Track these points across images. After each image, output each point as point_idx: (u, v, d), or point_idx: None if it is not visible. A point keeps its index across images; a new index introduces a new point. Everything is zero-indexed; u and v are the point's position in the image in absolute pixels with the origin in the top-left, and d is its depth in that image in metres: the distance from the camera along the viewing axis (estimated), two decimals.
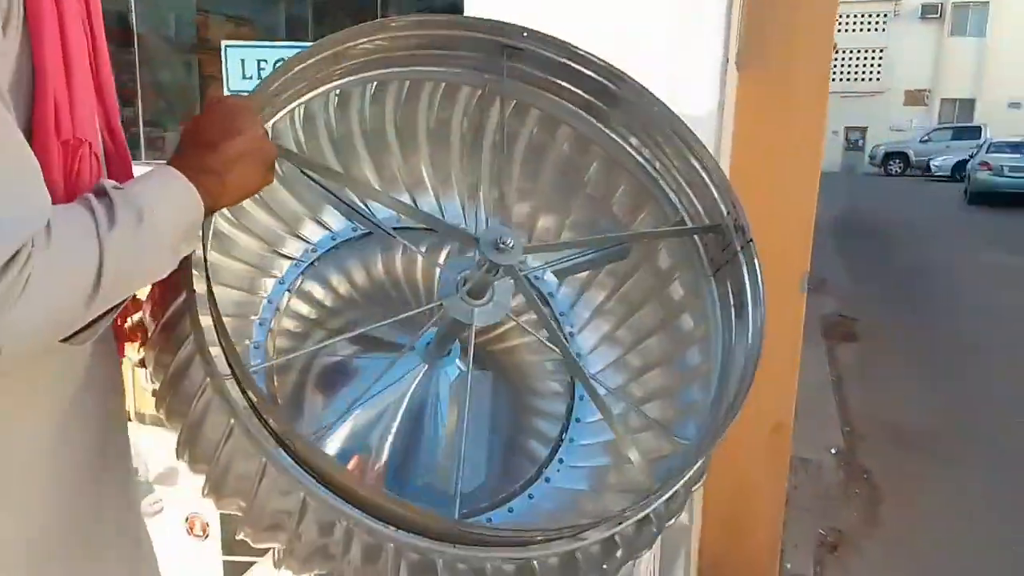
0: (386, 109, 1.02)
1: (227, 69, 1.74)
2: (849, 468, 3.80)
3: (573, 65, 0.92)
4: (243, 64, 1.71)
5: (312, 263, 1.07)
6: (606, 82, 0.93)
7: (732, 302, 0.94)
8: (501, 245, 0.87)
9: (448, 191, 1.10)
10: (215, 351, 0.76)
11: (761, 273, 0.87)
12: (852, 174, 22.27)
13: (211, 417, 0.76)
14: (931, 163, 22.20)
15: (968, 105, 26.61)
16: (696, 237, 0.98)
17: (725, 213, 0.92)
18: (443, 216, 1.10)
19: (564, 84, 0.97)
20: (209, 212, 0.76)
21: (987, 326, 6.47)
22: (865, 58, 26.55)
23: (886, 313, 6.80)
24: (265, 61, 1.74)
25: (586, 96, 0.97)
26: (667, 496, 0.82)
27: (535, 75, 0.95)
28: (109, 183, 0.68)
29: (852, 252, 9.33)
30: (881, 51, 26.59)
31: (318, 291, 1.07)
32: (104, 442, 0.84)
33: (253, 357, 0.99)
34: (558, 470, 1.05)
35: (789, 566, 2.84)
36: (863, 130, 25.41)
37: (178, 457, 0.83)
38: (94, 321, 0.68)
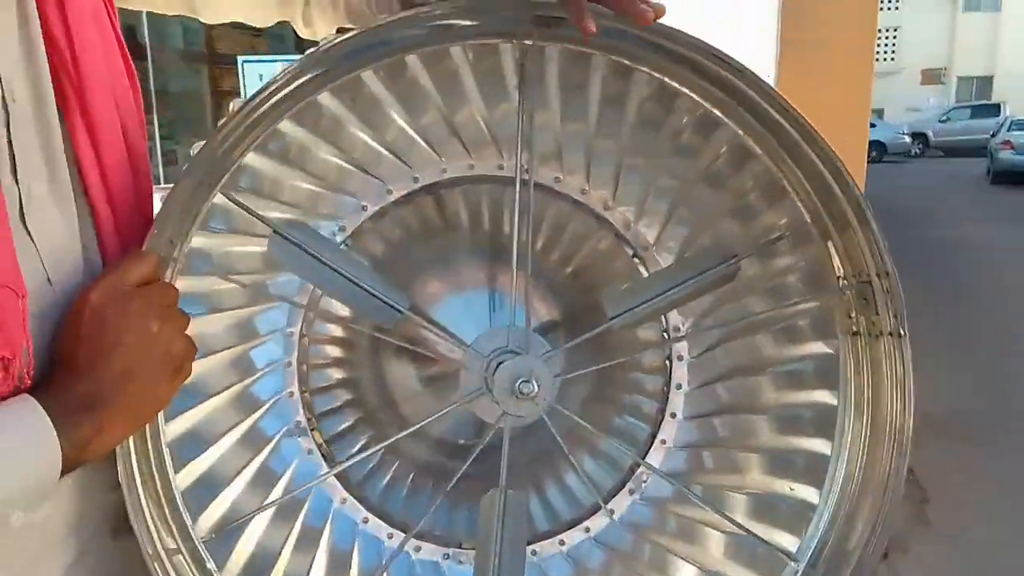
0: (408, 73, 0.80)
1: (245, 84, 1.65)
2: None
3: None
4: (261, 79, 1.62)
5: (344, 243, 0.86)
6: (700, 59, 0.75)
7: (865, 330, 0.82)
8: (521, 393, 0.72)
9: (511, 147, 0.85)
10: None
11: (903, 313, 0.76)
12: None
13: None
14: None
15: (986, 83, 26.22)
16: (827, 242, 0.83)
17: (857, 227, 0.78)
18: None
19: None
20: (72, 465, 0.55)
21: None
22: (879, 38, 26.19)
23: (922, 299, 6.64)
24: None
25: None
26: None
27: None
28: None
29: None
30: (895, 30, 26.22)
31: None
32: None
33: (284, 380, 0.85)
34: (644, 481, 0.91)
35: None
36: (880, 112, 25.05)
37: None
38: None
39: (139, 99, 0.73)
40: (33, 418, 0.53)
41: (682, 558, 0.89)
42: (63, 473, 0.54)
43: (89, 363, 0.57)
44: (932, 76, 26.77)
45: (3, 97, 0.57)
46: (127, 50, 0.72)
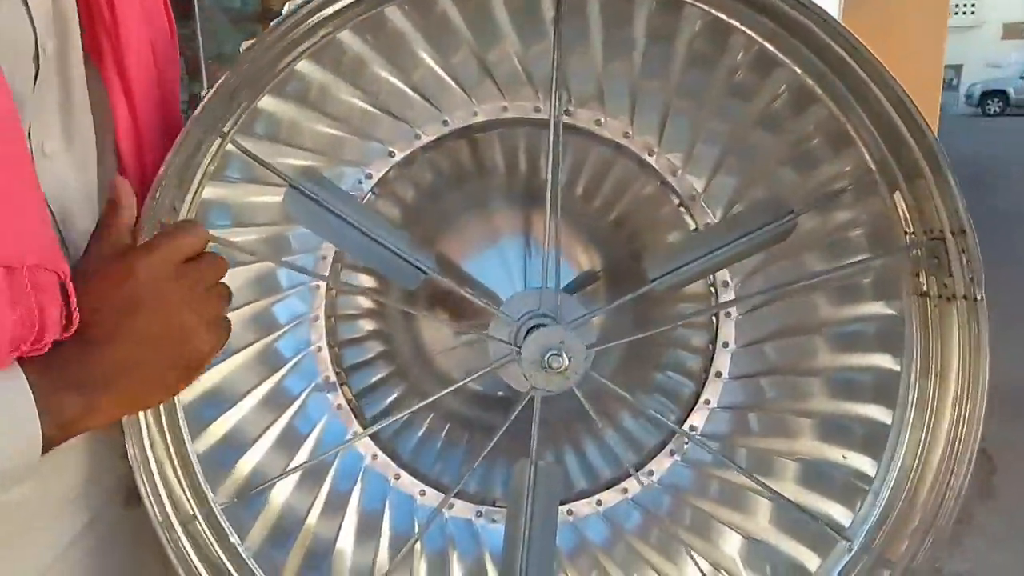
0: (437, 7, 0.75)
1: None
2: None
3: None
4: None
5: (371, 191, 0.81)
6: None
7: (935, 292, 0.76)
8: (550, 367, 0.69)
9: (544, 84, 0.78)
10: None
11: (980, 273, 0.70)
12: (944, 115, 21.08)
13: None
14: None
15: None
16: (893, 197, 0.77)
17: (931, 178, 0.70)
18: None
19: None
20: (55, 443, 0.50)
21: None
22: None
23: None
24: None
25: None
26: None
27: None
28: None
29: None
30: None
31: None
32: None
33: (311, 335, 0.82)
34: (686, 443, 0.86)
35: None
36: (958, 68, 23.84)
37: None
38: None
39: (176, 55, 0.70)
40: (17, 395, 0.48)
41: (725, 524, 0.85)
42: (45, 451, 0.50)
43: (96, 342, 0.51)
44: (1014, 31, 25.41)
45: (36, 51, 0.54)
46: (169, 5, 0.69)
